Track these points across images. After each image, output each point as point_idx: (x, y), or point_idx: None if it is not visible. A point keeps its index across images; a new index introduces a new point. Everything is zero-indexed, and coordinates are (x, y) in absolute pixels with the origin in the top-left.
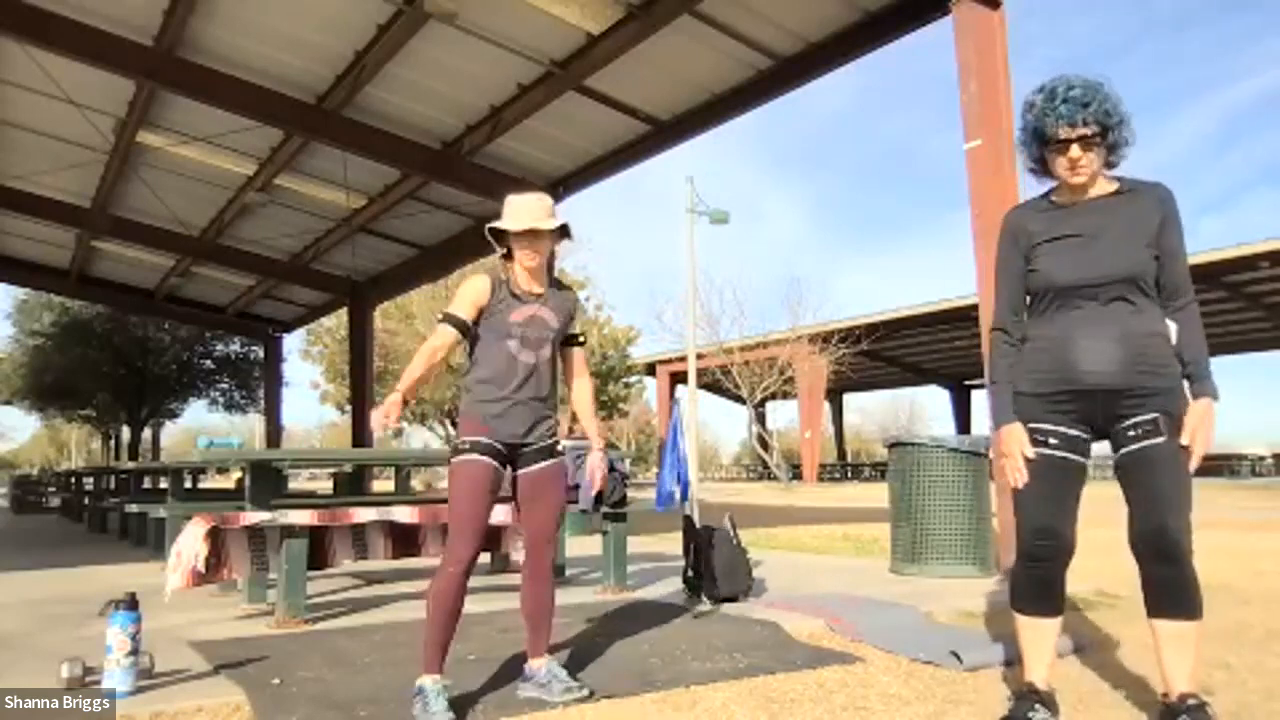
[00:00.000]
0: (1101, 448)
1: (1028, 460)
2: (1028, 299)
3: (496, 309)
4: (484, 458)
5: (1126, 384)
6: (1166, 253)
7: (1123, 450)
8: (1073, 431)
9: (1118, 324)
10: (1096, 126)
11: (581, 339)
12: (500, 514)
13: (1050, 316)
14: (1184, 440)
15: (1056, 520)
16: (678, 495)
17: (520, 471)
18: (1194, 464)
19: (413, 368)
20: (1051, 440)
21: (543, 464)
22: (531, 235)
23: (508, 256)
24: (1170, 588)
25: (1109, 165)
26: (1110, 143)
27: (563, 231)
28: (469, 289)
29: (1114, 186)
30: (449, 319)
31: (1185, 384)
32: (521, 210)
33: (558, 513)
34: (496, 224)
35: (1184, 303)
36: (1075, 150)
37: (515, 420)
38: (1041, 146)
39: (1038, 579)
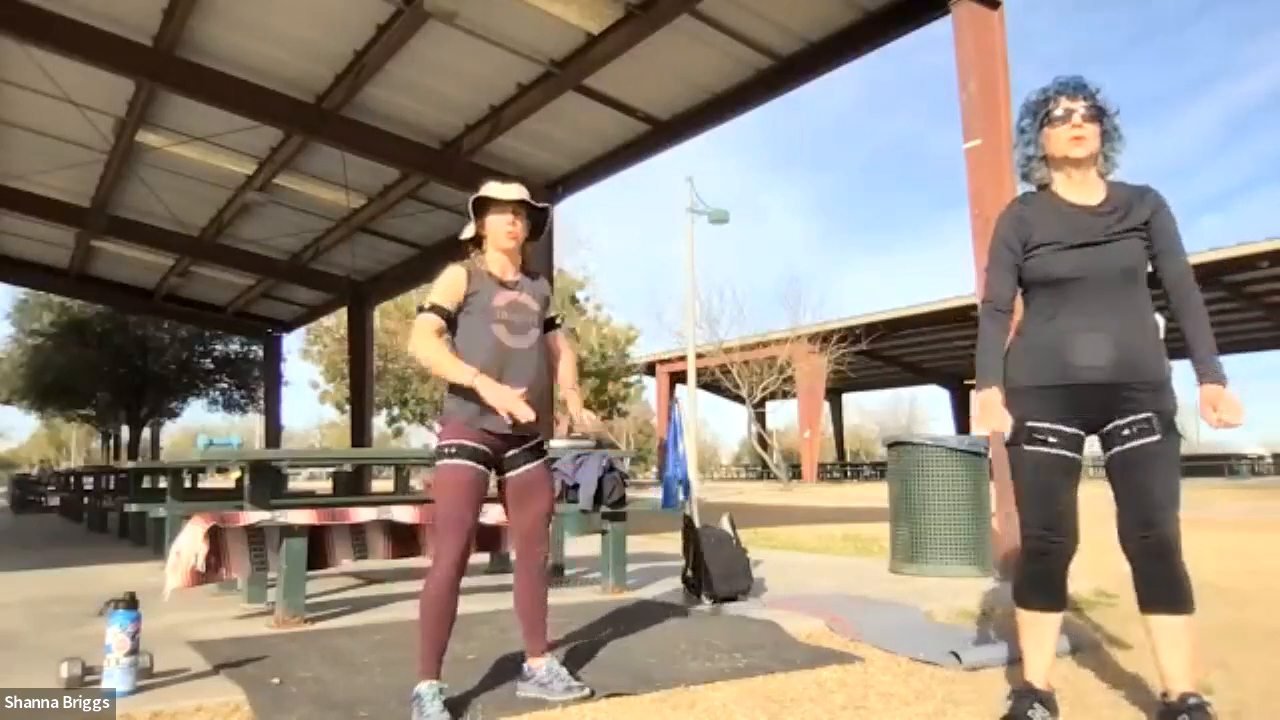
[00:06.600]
0: (1091, 446)
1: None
2: (1024, 290)
3: (477, 296)
4: (468, 462)
5: (1120, 379)
6: (1163, 248)
7: (1115, 449)
8: (1070, 429)
9: (1113, 319)
10: (1094, 103)
11: (559, 320)
12: (497, 514)
13: (1046, 311)
14: (1216, 416)
15: (1059, 516)
16: (680, 494)
17: (507, 474)
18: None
19: (442, 358)
20: (1051, 439)
21: (529, 466)
22: (514, 212)
23: (478, 246)
24: (1161, 583)
25: (1103, 164)
26: (1105, 130)
27: (539, 225)
28: (446, 279)
29: (1104, 187)
30: (433, 309)
31: (1194, 375)
32: (509, 187)
33: (546, 513)
34: (485, 191)
35: (1186, 291)
36: (1077, 118)
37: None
38: (1040, 129)
39: (1042, 574)
